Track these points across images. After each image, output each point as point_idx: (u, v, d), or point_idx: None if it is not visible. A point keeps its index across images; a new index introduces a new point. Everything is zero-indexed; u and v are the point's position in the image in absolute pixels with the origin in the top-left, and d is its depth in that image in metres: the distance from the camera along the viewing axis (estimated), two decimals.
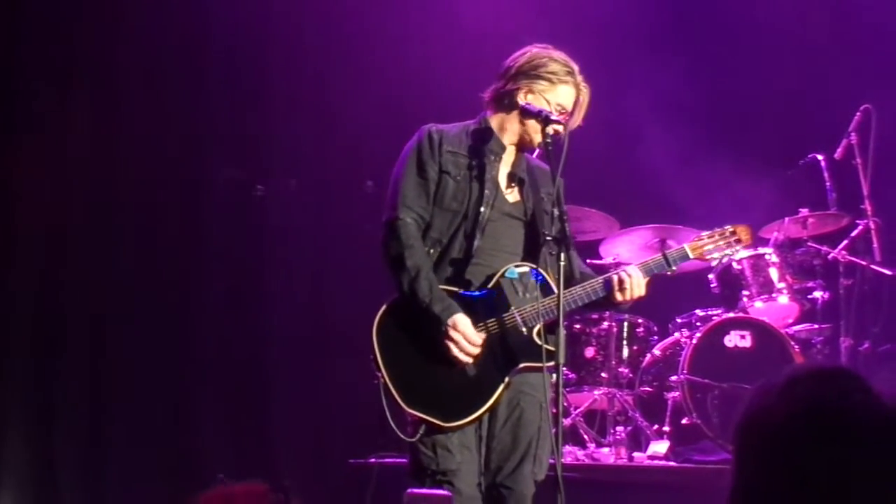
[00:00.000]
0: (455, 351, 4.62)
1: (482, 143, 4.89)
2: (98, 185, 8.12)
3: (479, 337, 4.64)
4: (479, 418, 4.70)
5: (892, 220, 7.79)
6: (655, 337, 8.11)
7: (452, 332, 4.60)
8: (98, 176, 8.12)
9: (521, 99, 4.84)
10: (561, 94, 4.85)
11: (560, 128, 4.79)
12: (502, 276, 4.76)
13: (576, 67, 4.91)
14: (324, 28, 8.94)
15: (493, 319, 4.71)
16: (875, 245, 7.62)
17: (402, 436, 4.69)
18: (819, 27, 9.18)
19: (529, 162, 5.03)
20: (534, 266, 4.79)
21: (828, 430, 1.75)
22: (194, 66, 8.58)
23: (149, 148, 8.26)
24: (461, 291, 4.76)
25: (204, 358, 8.34)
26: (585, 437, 7.73)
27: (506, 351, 4.69)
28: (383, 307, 4.78)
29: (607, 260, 8.04)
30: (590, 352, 7.85)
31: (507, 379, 4.67)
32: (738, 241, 5.06)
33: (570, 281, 4.74)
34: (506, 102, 4.90)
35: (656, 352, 7.96)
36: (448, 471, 4.65)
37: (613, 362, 7.82)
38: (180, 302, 8.31)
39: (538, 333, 4.70)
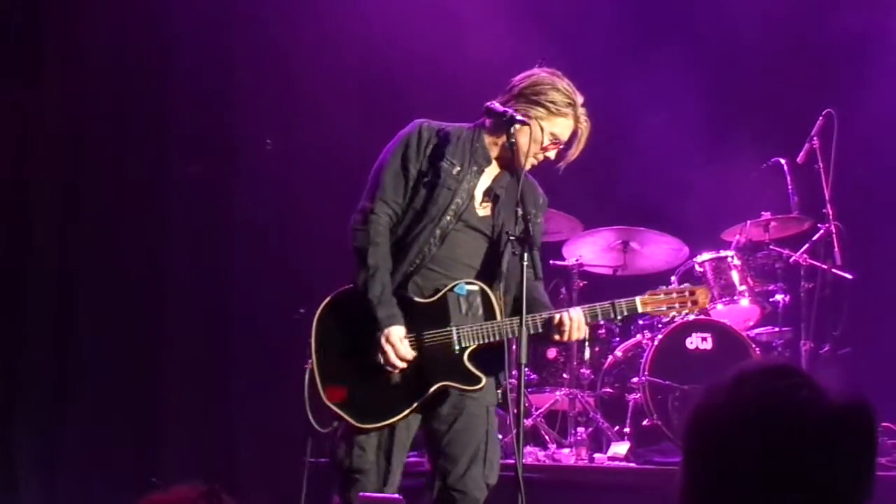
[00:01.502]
0: (382, 359, 4.66)
1: (469, 152, 4.89)
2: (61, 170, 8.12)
3: (409, 355, 4.67)
4: (391, 426, 4.73)
5: (853, 225, 7.82)
6: (617, 338, 8.13)
7: (385, 343, 4.64)
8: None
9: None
10: (557, 124, 4.87)
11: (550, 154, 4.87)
12: (451, 290, 4.77)
13: (579, 100, 4.91)
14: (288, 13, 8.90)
15: (429, 331, 4.73)
16: (836, 249, 7.64)
17: (316, 426, 4.74)
18: (785, 30, 9.20)
19: (518, 176, 4.98)
20: (483, 286, 4.79)
21: (774, 428, 1.75)
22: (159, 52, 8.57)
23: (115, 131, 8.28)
24: (407, 295, 4.77)
25: (162, 355, 8.33)
26: (546, 437, 7.74)
27: (434, 366, 4.72)
28: (330, 296, 4.84)
29: (570, 261, 8.07)
30: (551, 353, 7.87)
31: (427, 394, 4.70)
32: (695, 303, 5.00)
33: (529, 303, 4.71)
34: (502, 121, 4.87)
35: (618, 353, 7.98)
36: (360, 470, 4.70)
37: (575, 363, 7.84)
38: (140, 299, 8.27)
39: (469, 356, 4.72)
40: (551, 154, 4.92)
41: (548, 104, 4.84)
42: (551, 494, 6.59)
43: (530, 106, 4.83)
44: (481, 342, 4.71)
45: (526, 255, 4.61)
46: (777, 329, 7.86)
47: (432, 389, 4.69)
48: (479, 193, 4.90)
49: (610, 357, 7.98)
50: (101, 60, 8.32)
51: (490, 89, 5.06)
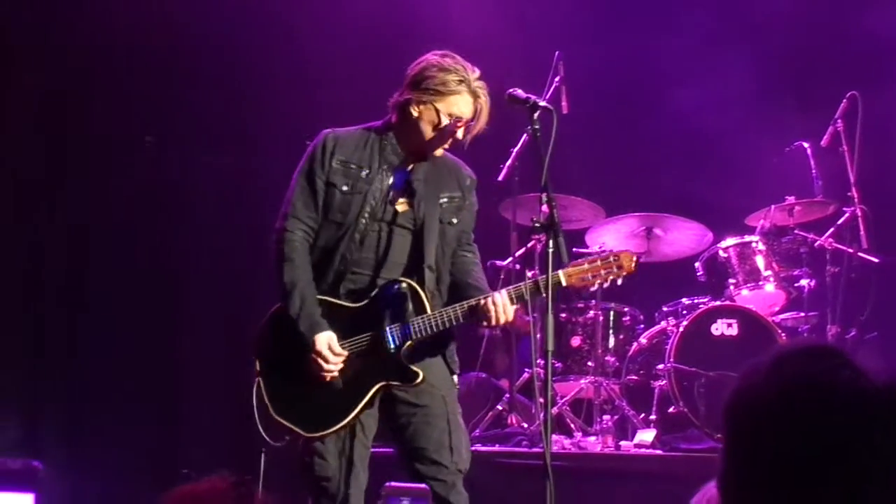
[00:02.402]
0: (316, 368, 4.72)
1: (378, 152, 4.92)
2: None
3: (339, 356, 4.73)
4: (338, 431, 4.78)
5: (879, 208, 7.77)
6: (642, 325, 8.10)
7: (313, 354, 4.71)
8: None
9: (414, 110, 4.83)
10: (452, 103, 4.82)
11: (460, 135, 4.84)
12: (379, 291, 4.81)
13: (472, 75, 4.86)
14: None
15: (363, 334, 4.79)
16: (862, 232, 7.61)
17: (268, 439, 4.83)
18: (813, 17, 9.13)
19: (437, 164, 5.00)
20: (411, 283, 4.81)
21: (818, 408, 1.72)
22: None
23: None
24: (337, 302, 4.83)
25: (182, 346, 8.37)
26: (572, 425, 7.71)
27: (371, 368, 4.77)
28: (269, 313, 4.94)
29: (593, 248, 8.02)
30: (576, 341, 7.83)
31: (367, 396, 4.75)
32: (620, 267, 4.92)
33: (461, 289, 4.83)
34: (402, 114, 4.91)
35: (643, 340, 7.94)
36: (325, 477, 4.79)
37: (600, 351, 7.80)
38: (162, 288, 8.27)
39: (405, 352, 4.76)
40: (460, 134, 4.87)
41: (438, 87, 4.81)
42: (578, 482, 6.56)
43: (421, 93, 4.83)
44: (415, 338, 4.75)
45: (552, 241, 4.58)
46: (803, 314, 7.80)
47: (372, 391, 4.75)
48: (393, 190, 4.91)
49: (635, 344, 7.94)
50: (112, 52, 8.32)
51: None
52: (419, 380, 4.73)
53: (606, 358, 7.84)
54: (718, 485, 1.87)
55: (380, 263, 4.86)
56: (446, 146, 4.92)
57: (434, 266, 4.88)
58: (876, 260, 7.55)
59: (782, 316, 7.89)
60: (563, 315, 7.80)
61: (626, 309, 7.97)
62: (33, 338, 7.92)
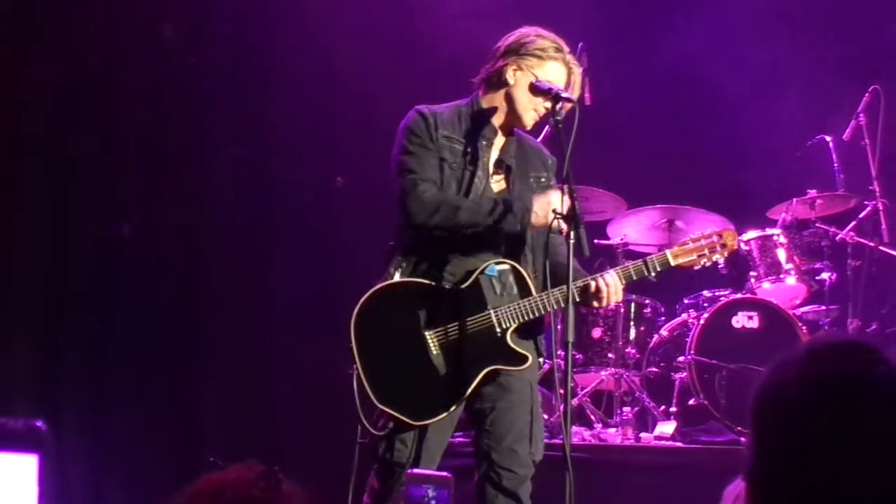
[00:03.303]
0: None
1: (475, 127, 4.87)
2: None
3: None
4: (447, 418, 4.72)
5: None
6: (663, 318, 8.09)
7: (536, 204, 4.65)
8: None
9: (510, 77, 4.82)
10: (550, 70, 4.82)
11: (568, 105, 4.77)
12: (482, 272, 4.73)
13: (565, 46, 4.88)
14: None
15: (469, 318, 4.70)
16: (883, 226, 7.62)
17: (370, 429, 4.69)
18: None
19: (522, 144, 4.99)
20: (514, 264, 4.77)
21: (850, 405, 1.72)
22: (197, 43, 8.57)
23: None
24: (441, 285, 4.74)
25: (207, 336, 8.35)
26: (592, 417, 7.72)
27: (478, 351, 4.69)
28: (364, 296, 4.77)
29: (615, 240, 8.03)
30: (597, 332, 7.82)
31: (476, 380, 4.67)
32: (724, 246, 4.99)
33: (561, 272, 4.66)
34: (495, 82, 4.88)
35: (663, 332, 7.94)
36: (401, 464, 4.67)
37: (620, 343, 7.79)
38: (183, 278, 8.29)
39: (512, 335, 4.70)
40: (549, 104, 4.82)
41: (537, 51, 4.81)
42: (598, 474, 6.59)
43: (520, 58, 4.82)
44: (521, 320, 4.70)
45: (573, 233, 4.57)
46: (824, 307, 7.79)
47: (481, 375, 4.67)
48: (491, 167, 4.89)
49: (655, 336, 7.93)
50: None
51: None
52: (528, 363, 4.68)
53: (627, 350, 7.83)
54: (746, 479, 1.86)
55: (480, 244, 4.78)
56: (539, 116, 4.86)
57: (532, 247, 4.85)
58: None
59: (803, 309, 7.88)
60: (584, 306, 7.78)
61: (647, 301, 7.96)
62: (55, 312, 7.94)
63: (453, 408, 4.68)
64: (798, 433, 1.75)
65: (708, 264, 5.04)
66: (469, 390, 4.68)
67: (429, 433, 4.73)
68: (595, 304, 4.79)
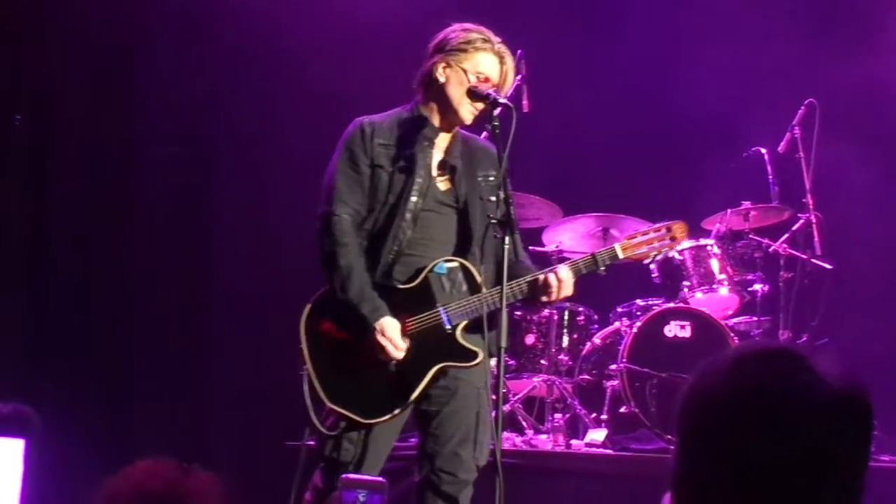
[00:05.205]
0: (382, 355, 4.63)
1: (414, 131, 4.87)
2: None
3: (404, 343, 4.65)
4: (398, 416, 4.71)
5: (833, 215, 7.84)
6: (596, 325, 8.11)
7: (380, 337, 4.61)
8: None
9: (440, 75, 4.82)
10: (479, 61, 4.82)
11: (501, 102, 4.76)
12: (431, 270, 4.74)
13: (494, 37, 4.87)
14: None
15: (418, 315, 4.71)
16: (816, 239, 7.68)
17: (321, 429, 4.69)
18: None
19: (469, 144, 5.00)
20: (463, 261, 4.77)
21: (777, 411, 1.72)
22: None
23: None
24: (389, 284, 4.74)
25: (141, 335, 8.28)
26: (524, 423, 7.73)
27: (429, 349, 4.70)
28: (312, 299, 4.80)
29: (550, 248, 8.05)
30: (530, 339, 7.84)
31: (427, 378, 4.67)
32: (674, 238, 5.03)
33: (509, 269, 4.68)
34: (428, 83, 4.89)
35: (596, 340, 7.96)
36: (348, 462, 4.66)
37: (553, 350, 7.81)
38: (119, 276, 8.23)
39: (461, 332, 4.70)
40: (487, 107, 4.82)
41: (462, 45, 4.82)
42: (528, 480, 6.60)
43: (447, 54, 4.83)
44: (471, 317, 4.70)
45: (507, 238, 4.58)
46: (755, 318, 7.85)
47: (431, 372, 4.67)
48: (435, 167, 4.89)
49: (588, 344, 7.96)
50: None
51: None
52: (479, 359, 4.67)
53: (560, 357, 7.85)
54: (672, 485, 1.86)
55: (430, 243, 4.79)
56: (476, 111, 4.83)
57: (481, 244, 4.83)
58: (829, 266, 7.62)
59: (735, 320, 7.93)
60: (518, 313, 7.79)
61: (580, 308, 7.98)
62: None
63: (405, 405, 4.68)
64: (724, 439, 1.75)
65: (658, 257, 5.08)
66: (420, 388, 4.67)
67: (375, 434, 4.72)
68: (544, 298, 4.76)
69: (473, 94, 4.79)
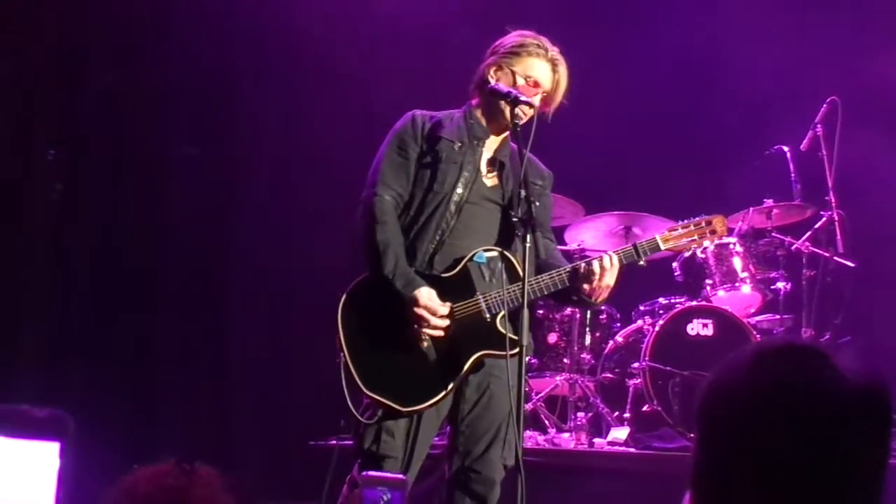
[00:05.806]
0: (421, 328, 4.61)
1: (466, 129, 4.91)
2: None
3: (444, 308, 4.63)
4: (437, 404, 4.69)
5: (856, 212, 7.81)
6: (618, 324, 8.12)
7: (417, 309, 4.59)
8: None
9: (491, 77, 4.88)
10: (530, 66, 4.88)
11: (529, 110, 4.78)
12: (470, 259, 4.75)
13: (550, 45, 4.93)
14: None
15: (457, 304, 4.69)
16: (838, 237, 7.66)
17: (359, 417, 4.66)
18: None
19: (517, 152, 5.00)
20: (503, 251, 4.78)
21: (798, 407, 1.72)
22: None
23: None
24: (430, 273, 4.74)
25: (162, 338, 8.30)
26: (546, 422, 7.73)
27: (468, 337, 4.68)
28: (349, 287, 4.77)
29: (572, 246, 8.05)
30: (552, 337, 7.84)
31: (466, 366, 4.66)
32: (713, 231, 5.05)
33: (545, 263, 4.75)
34: (481, 84, 4.94)
35: (619, 339, 7.96)
36: (387, 456, 4.63)
37: (576, 348, 7.82)
38: (140, 280, 8.24)
39: (501, 321, 4.69)
40: (537, 100, 4.85)
41: (514, 48, 4.89)
42: (551, 478, 6.59)
43: (500, 57, 4.90)
44: (511, 306, 4.69)
45: (529, 237, 4.58)
46: (778, 317, 7.84)
47: (470, 361, 4.66)
48: (483, 164, 4.92)
49: (611, 342, 7.96)
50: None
51: None
52: (521, 347, 4.58)
53: (582, 355, 7.85)
54: (691, 481, 1.86)
55: (472, 235, 4.80)
56: (525, 115, 4.82)
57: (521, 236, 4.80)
58: (851, 264, 7.60)
59: (758, 318, 7.93)
60: (541, 311, 7.79)
61: (602, 307, 7.97)
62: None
63: (442, 394, 4.64)
64: (745, 435, 1.75)
65: (698, 249, 5.10)
66: (459, 376, 4.67)
67: (420, 429, 4.70)
68: (585, 286, 4.74)
69: (495, 92, 4.81)
